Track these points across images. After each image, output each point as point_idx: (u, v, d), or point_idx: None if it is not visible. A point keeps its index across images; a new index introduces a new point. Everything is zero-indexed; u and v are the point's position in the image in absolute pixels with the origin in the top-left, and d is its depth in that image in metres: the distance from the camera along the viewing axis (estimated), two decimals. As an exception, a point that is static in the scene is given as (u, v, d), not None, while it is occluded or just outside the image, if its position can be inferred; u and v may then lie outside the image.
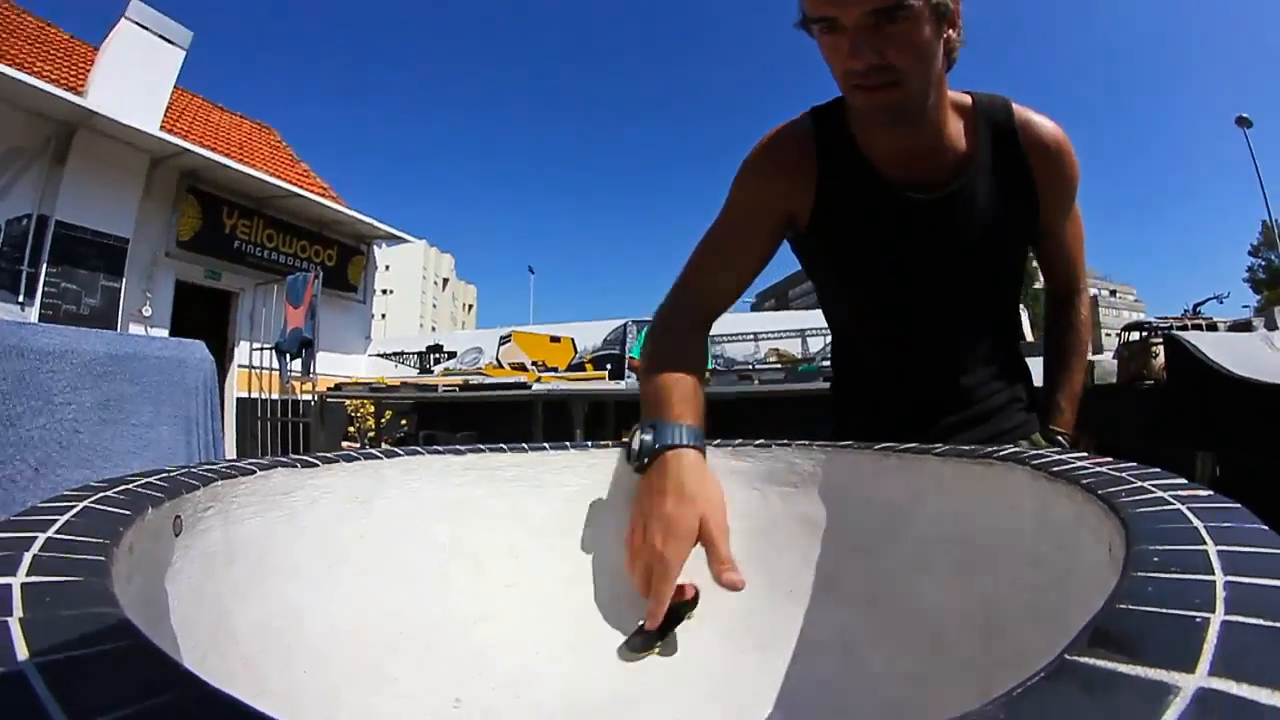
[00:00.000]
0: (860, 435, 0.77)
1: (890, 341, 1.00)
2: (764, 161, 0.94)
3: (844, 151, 0.91)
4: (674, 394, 0.77)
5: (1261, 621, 0.20)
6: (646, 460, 0.70)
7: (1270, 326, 2.49)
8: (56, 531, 0.31)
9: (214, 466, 0.53)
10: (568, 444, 0.79)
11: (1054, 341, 1.10)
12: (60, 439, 1.41)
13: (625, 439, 0.74)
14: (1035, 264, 1.10)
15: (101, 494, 0.39)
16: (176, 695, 0.16)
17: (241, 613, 0.48)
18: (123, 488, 0.41)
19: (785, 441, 0.76)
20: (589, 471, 0.76)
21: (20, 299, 6.23)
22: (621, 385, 3.95)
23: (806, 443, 0.75)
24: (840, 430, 1.07)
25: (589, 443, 0.81)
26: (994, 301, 1.01)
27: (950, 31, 0.81)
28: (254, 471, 0.55)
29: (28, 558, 0.27)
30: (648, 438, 0.70)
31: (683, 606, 0.65)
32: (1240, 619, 0.20)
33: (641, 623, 0.64)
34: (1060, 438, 1.02)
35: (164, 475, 0.48)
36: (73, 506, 0.35)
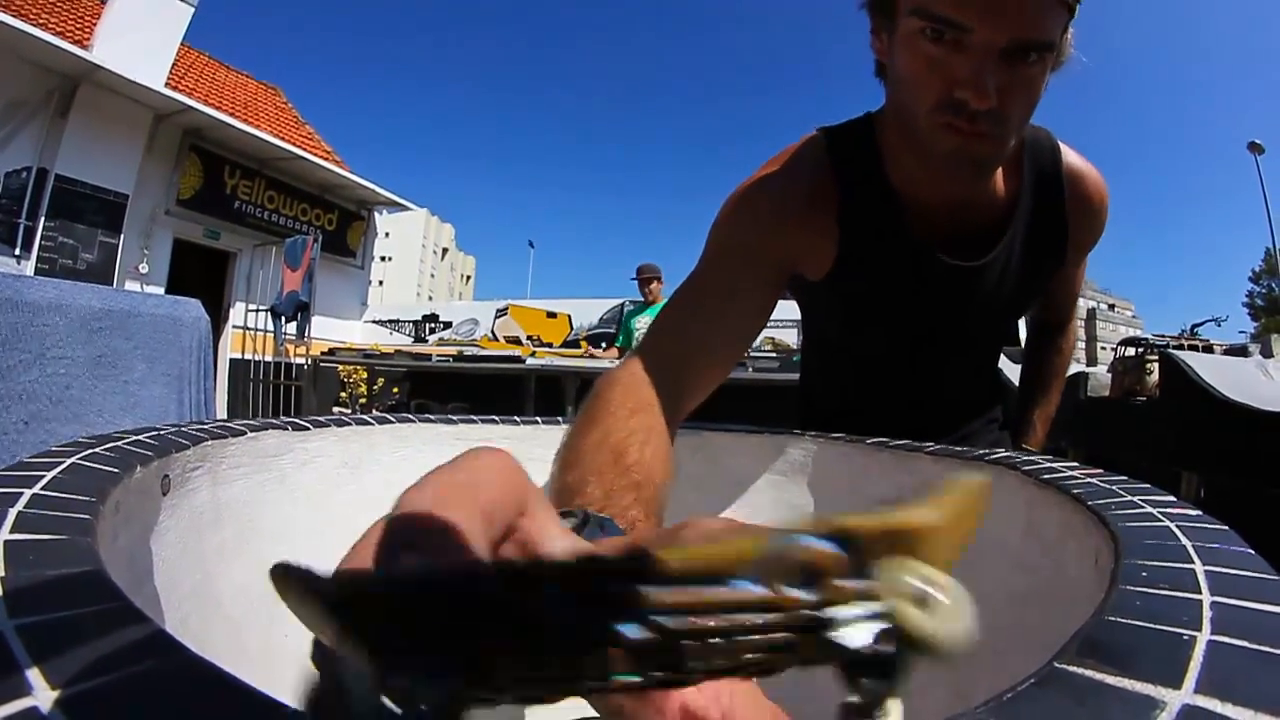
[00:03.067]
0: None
1: (882, 380, 0.94)
2: (777, 208, 0.74)
3: (874, 198, 0.76)
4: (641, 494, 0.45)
5: (1246, 644, 0.20)
6: None
7: (1266, 354, 2.51)
8: (43, 488, 0.30)
9: (204, 426, 0.53)
10: (559, 419, 0.79)
11: (1037, 363, 1.09)
12: (51, 393, 1.40)
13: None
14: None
15: (90, 450, 0.39)
16: (158, 663, 0.16)
17: (225, 575, 0.48)
18: (112, 445, 0.41)
19: (778, 429, 0.76)
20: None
21: (17, 251, 6.20)
22: (616, 364, 3.97)
23: (799, 431, 0.75)
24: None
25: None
26: (993, 346, 0.99)
27: None
28: (244, 432, 0.55)
29: (12, 514, 0.27)
30: None
31: None
32: (1226, 640, 0.20)
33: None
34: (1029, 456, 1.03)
35: (154, 433, 0.47)
36: (60, 462, 0.35)
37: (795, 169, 0.76)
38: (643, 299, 4.71)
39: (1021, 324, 1.13)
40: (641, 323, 4.43)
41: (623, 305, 8.88)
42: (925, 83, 0.62)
